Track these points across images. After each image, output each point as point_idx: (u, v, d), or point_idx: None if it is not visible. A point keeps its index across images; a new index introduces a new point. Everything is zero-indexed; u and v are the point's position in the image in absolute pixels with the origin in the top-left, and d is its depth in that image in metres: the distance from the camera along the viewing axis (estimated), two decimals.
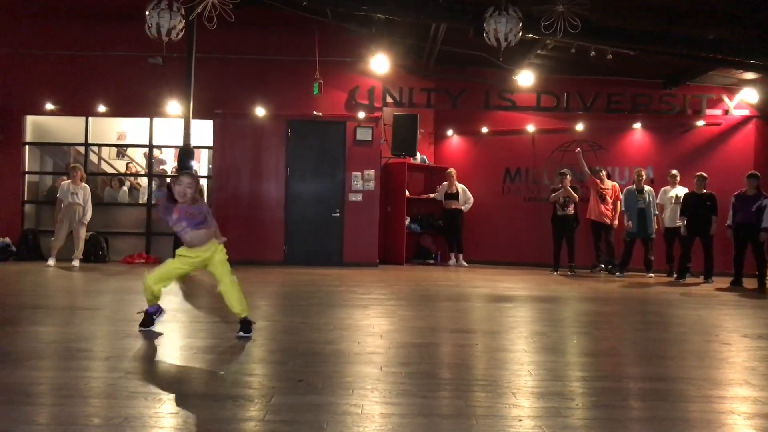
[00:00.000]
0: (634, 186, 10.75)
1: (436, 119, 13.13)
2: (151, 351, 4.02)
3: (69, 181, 10.50)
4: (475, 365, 3.97)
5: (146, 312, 4.67)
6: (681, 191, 10.74)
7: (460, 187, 12.30)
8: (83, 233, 10.49)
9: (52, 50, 11.48)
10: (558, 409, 2.90)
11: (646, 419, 2.85)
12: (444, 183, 12.45)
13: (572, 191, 10.93)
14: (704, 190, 10.11)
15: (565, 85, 11.99)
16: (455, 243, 12.32)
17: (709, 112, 11.80)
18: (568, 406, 2.97)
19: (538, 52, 10.55)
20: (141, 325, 4.63)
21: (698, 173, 10.28)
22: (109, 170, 13.01)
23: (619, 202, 11.19)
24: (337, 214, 11.64)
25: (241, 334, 4.44)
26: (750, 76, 11.06)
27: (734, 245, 9.73)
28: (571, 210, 10.96)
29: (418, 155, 12.50)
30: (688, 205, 10.20)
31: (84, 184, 10.57)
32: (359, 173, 11.66)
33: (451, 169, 12.35)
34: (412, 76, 12.13)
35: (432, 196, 12.66)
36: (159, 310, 4.72)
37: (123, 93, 11.46)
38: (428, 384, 3.34)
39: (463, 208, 12.25)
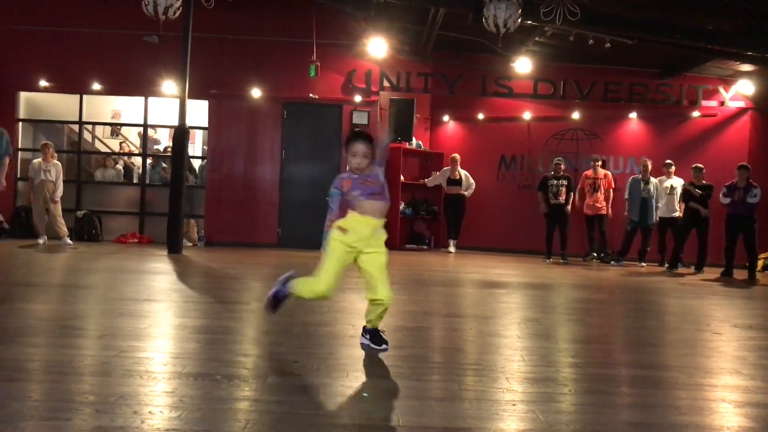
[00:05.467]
0: (640, 176, 10.79)
1: (432, 104, 13.08)
2: (145, 330, 4.02)
3: (40, 159, 10.39)
4: (468, 350, 3.99)
5: (370, 334, 3.62)
6: (677, 182, 10.80)
7: (463, 173, 12.26)
8: (58, 210, 10.28)
9: (46, 26, 11.37)
10: (551, 395, 2.92)
11: (638, 406, 2.87)
12: (445, 168, 12.41)
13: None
14: (703, 181, 10.17)
15: (562, 73, 11.97)
16: (454, 229, 12.30)
17: (705, 103, 11.82)
18: (561, 391, 2.99)
19: (537, 39, 10.51)
20: (370, 341, 3.61)
21: (695, 165, 10.34)
22: (103, 149, 12.93)
23: (611, 190, 11.26)
24: None
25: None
26: (746, 67, 11.06)
27: (726, 236, 9.79)
28: (562, 198, 10.99)
29: (414, 140, 12.47)
30: (684, 198, 10.31)
31: (55, 161, 10.45)
32: None
33: (455, 155, 12.30)
34: (410, 61, 12.08)
35: (425, 182, 12.63)
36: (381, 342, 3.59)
37: (118, 71, 11.38)
38: (421, 367, 3.36)
39: (465, 193, 12.24)
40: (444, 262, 10.41)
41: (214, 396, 2.69)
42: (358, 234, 3.54)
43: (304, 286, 3.63)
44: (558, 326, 5.01)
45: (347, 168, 3.61)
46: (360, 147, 3.52)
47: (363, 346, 3.62)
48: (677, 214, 10.68)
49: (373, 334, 3.60)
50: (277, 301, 3.73)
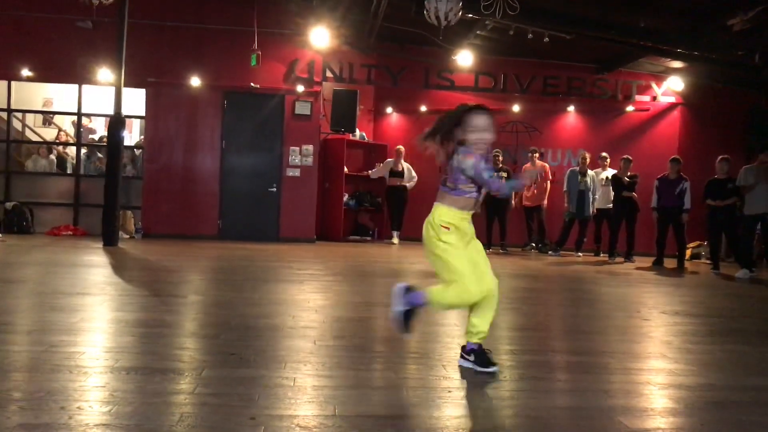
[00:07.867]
0: (578, 168, 11.06)
1: (376, 96, 13.09)
2: (77, 324, 3.90)
3: None
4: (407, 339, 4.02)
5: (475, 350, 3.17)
6: (611, 174, 11.13)
7: (406, 165, 12.32)
8: None
9: None
10: (486, 381, 2.97)
11: (570, 390, 2.96)
12: (388, 160, 12.44)
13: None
14: (629, 172, 10.55)
15: (502, 67, 12.16)
16: (396, 220, 12.36)
17: (638, 98, 12.23)
18: (496, 378, 3.05)
19: (478, 32, 10.64)
20: (474, 361, 3.15)
21: (624, 156, 10.70)
22: (35, 138, 12.44)
23: (548, 182, 11.53)
24: (274, 189, 11.52)
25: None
26: (677, 64, 11.49)
27: (657, 227, 10.17)
28: None
29: (357, 132, 12.46)
30: (614, 186, 10.67)
31: None
32: (297, 148, 11.55)
33: (400, 147, 12.33)
34: (353, 52, 12.04)
35: (369, 173, 12.64)
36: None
37: (50, 57, 10.94)
38: (361, 357, 3.37)
39: (408, 185, 12.30)
40: (387, 253, 10.46)
41: (147, 390, 2.63)
42: (461, 231, 3.26)
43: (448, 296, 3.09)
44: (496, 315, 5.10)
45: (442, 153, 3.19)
46: (483, 119, 3.10)
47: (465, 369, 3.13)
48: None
49: (478, 354, 3.14)
50: (408, 316, 3.16)
